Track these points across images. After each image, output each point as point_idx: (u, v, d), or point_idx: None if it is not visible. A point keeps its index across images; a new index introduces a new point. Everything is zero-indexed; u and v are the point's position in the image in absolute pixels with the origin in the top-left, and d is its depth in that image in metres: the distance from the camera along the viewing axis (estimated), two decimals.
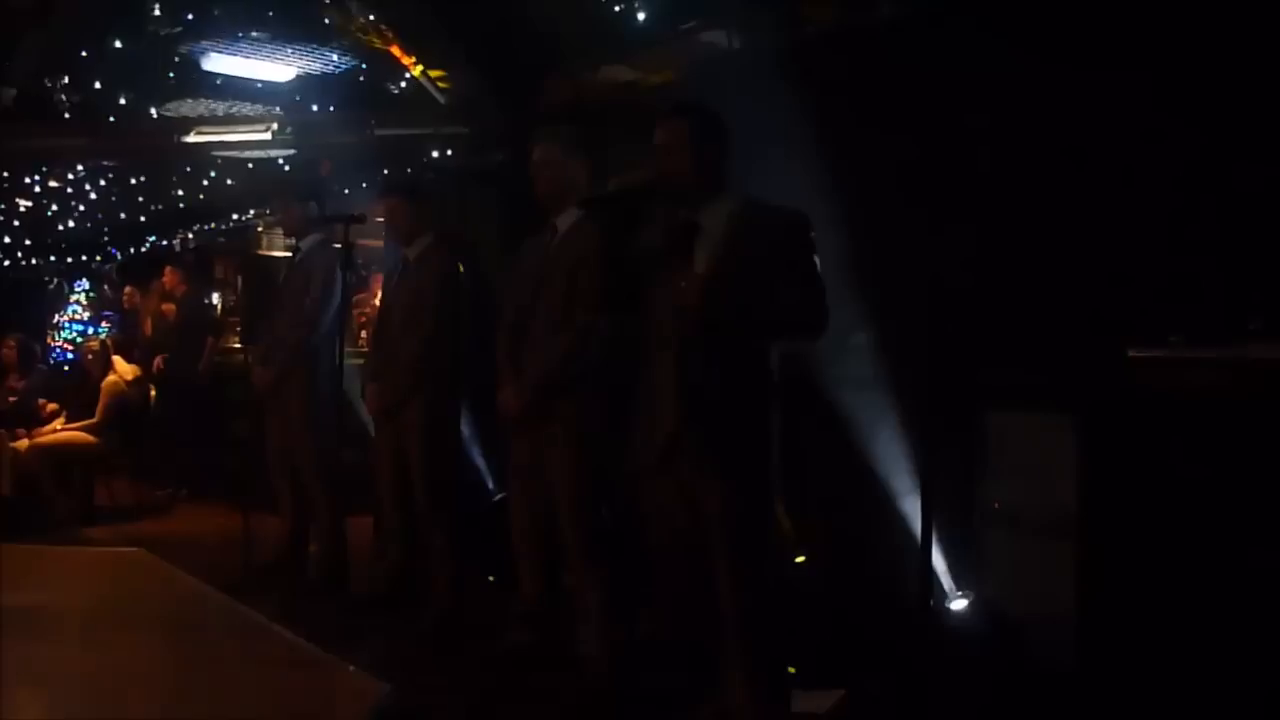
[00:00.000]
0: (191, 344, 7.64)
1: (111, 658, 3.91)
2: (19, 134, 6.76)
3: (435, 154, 6.16)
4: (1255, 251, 2.90)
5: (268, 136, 6.38)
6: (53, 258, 13.98)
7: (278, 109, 6.34)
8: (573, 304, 3.41)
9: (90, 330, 12.26)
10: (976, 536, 3.32)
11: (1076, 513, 3.06)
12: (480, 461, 5.02)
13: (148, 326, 8.08)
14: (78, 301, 13.76)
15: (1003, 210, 3.53)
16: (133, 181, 8.32)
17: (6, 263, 13.90)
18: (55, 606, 4.66)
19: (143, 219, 10.36)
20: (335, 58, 5.57)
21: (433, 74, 5.38)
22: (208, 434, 7.44)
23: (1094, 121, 3.28)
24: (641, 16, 4.43)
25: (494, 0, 4.77)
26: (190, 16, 5.14)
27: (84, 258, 13.48)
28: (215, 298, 8.93)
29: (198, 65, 5.64)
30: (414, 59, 5.28)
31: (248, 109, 6.35)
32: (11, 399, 7.26)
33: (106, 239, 11.76)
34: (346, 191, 7.32)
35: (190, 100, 6.34)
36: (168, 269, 8.15)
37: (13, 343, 7.61)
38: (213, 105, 6.38)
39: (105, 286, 13.14)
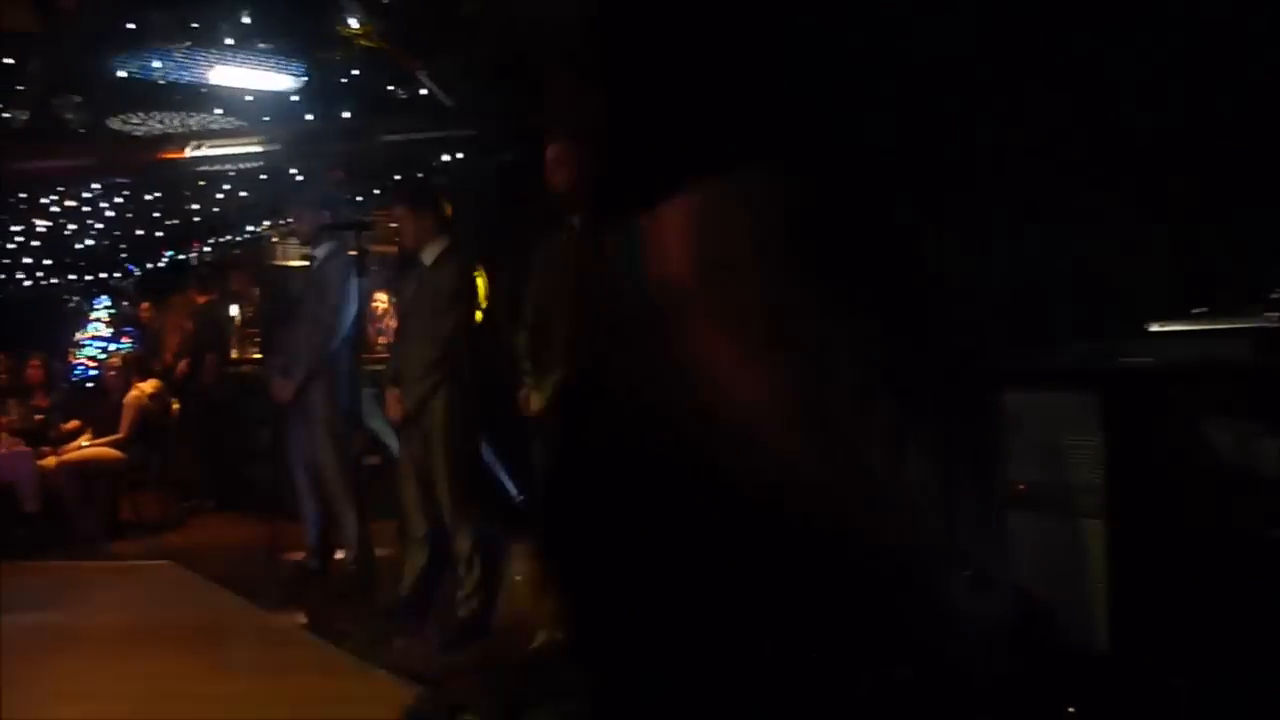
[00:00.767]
0: (201, 358, 7.69)
1: (145, 669, 3.95)
2: (34, 154, 6.82)
3: (444, 157, 6.17)
4: (1276, 219, 2.86)
5: (276, 148, 6.41)
6: (71, 276, 14.11)
7: (261, 119, 6.36)
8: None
9: (111, 346, 12.37)
10: (1000, 519, 3.29)
11: (1104, 490, 3.03)
12: (501, 462, 5.02)
13: (173, 340, 8.15)
14: (98, 318, 13.88)
15: (1018, 183, 3.50)
16: (147, 197, 8.38)
17: (28, 282, 14.04)
18: (88, 622, 4.71)
19: (159, 234, 10.43)
20: (339, 65, 5.58)
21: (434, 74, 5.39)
22: (230, 445, 7.48)
23: (1108, 92, 3.24)
24: None
25: None
26: (195, 27, 5.16)
27: (102, 274, 13.60)
28: (233, 309, 8.99)
29: (199, 79, 5.65)
30: (417, 62, 5.29)
31: (249, 121, 6.37)
32: (37, 417, 7.34)
33: (124, 255, 11.85)
34: (359, 199, 7.35)
35: (193, 114, 6.37)
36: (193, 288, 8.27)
37: (38, 362, 7.72)
38: (206, 119, 6.40)
39: (124, 302, 13.25)
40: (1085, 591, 3.03)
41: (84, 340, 13.66)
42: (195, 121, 6.47)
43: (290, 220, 5.17)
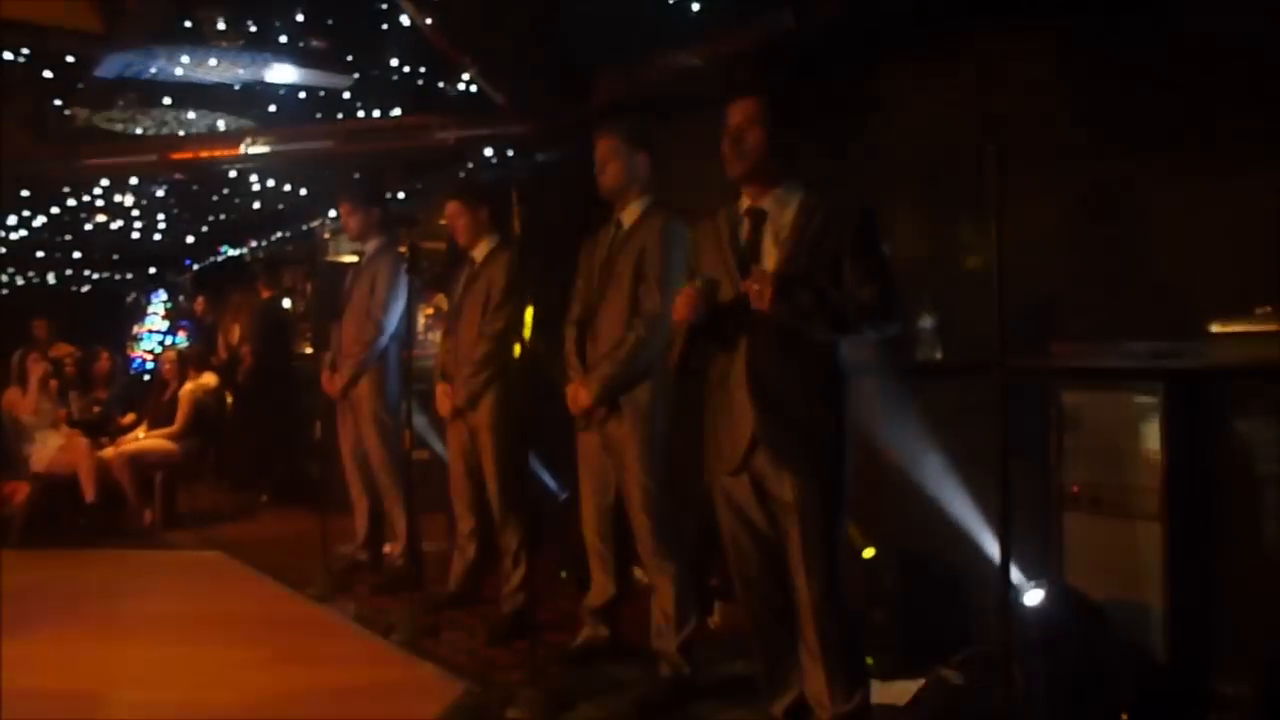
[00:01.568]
0: (265, 352, 7.79)
1: (197, 657, 4.02)
2: (98, 152, 6.96)
3: (493, 154, 6.19)
4: None
5: (328, 144, 6.47)
6: (129, 275, 14.41)
7: (314, 116, 6.42)
8: (639, 297, 3.40)
9: (168, 340, 12.63)
10: (1055, 520, 3.23)
11: (1162, 493, 2.95)
12: (547, 458, 5.03)
13: (233, 334, 8.29)
14: (155, 313, 14.17)
15: (1076, 181, 3.44)
16: (202, 193, 8.52)
17: (95, 276, 14.38)
18: (143, 609, 4.81)
19: (214, 230, 10.60)
20: (393, 62, 5.62)
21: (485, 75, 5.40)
22: (283, 439, 7.58)
23: (1164, 91, 3.17)
24: (696, 7, 4.39)
25: None
26: (251, 28, 5.22)
27: (160, 270, 13.87)
28: (286, 303, 9.11)
29: (254, 77, 5.73)
30: (469, 59, 5.31)
31: (302, 118, 6.44)
32: (96, 409, 7.52)
33: (182, 251, 12.07)
34: (407, 196, 7.40)
35: (247, 112, 6.45)
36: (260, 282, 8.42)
37: (104, 355, 7.93)
38: (260, 116, 6.47)
39: (180, 297, 13.51)
40: (1142, 596, 2.96)
41: (141, 334, 13.97)
42: (249, 119, 6.56)
43: (340, 216, 5.21)
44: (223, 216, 9.75)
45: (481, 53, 5.28)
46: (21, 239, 9.91)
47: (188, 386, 7.09)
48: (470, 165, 6.38)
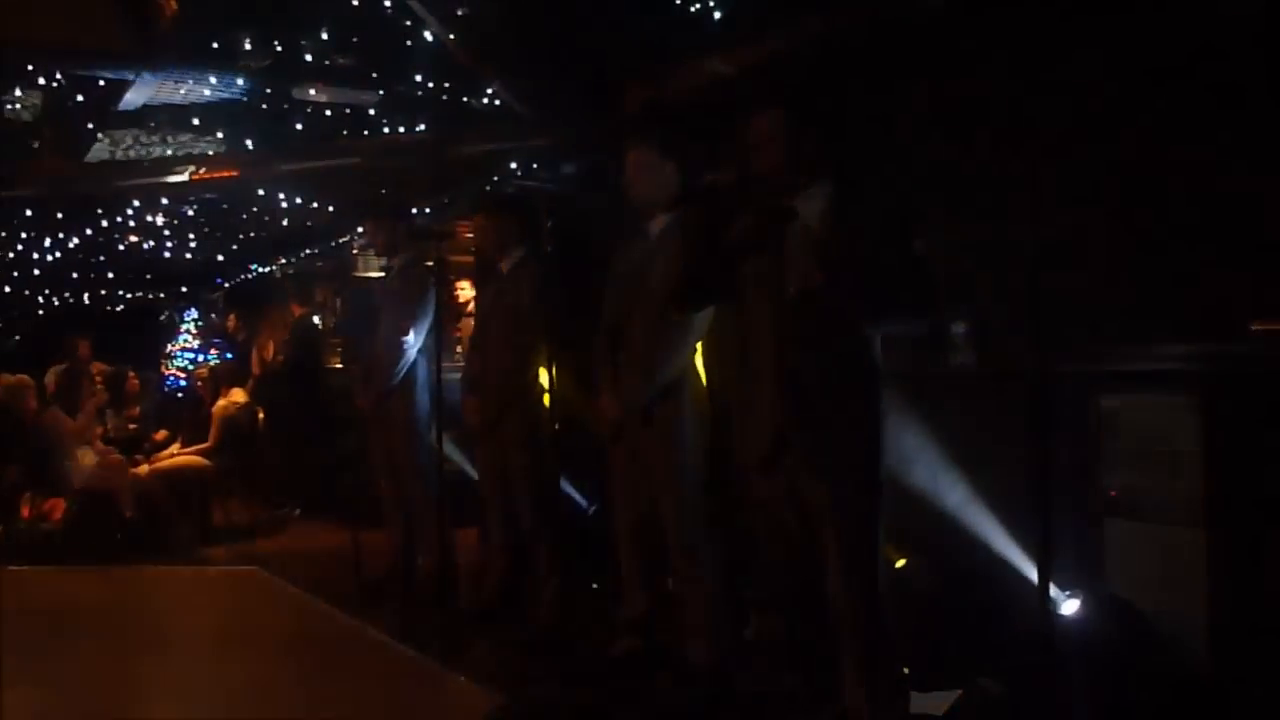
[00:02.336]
0: (300, 368, 7.86)
1: (232, 672, 4.03)
2: (131, 173, 7.06)
3: (518, 167, 6.21)
4: None
5: (355, 161, 6.52)
6: (162, 293, 14.57)
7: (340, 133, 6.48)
8: (668, 307, 3.39)
9: (200, 358, 12.76)
10: (1094, 527, 3.18)
11: (1204, 498, 2.90)
12: (577, 470, 5.02)
13: (268, 350, 8.36)
14: (188, 331, 14.32)
15: (1113, 179, 3.39)
16: (232, 211, 8.61)
17: (129, 296, 14.56)
18: (179, 624, 4.85)
19: (244, 248, 10.71)
20: (419, 78, 5.65)
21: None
22: (316, 454, 7.63)
23: (1203, 89, 3.12)
24: (718, 16, 4.38)
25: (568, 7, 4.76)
26: (279, 49, 5.27)
27: (192, 289, 14.02)
28: (317, 319, 9.19)
29: (280, 96, 5.79)
30: (494, 73, 5.33)
31: (329, 136, 6.49)
32: (131, 427, 7.60)
33: (213, 269, 12.19)
34: (432, 211, 7.44)
35: (274, 130, 6.51)
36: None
37: (135, 375, 8.02)
38: (286, 135, 6.53)
39: (212, 315, 13.65)
40: (1184, 603, 2.90)
41: (174, 352, 14.12)
42: (277, 137, 6.63)
43: (366, 232, 5.24)
44: (253, 234, 9.85)
45: (507, 67, 5.30)
46: (55, 259, 10.06)
47: (220, 403, 7.15)
48: (497, 178, 6.40)
